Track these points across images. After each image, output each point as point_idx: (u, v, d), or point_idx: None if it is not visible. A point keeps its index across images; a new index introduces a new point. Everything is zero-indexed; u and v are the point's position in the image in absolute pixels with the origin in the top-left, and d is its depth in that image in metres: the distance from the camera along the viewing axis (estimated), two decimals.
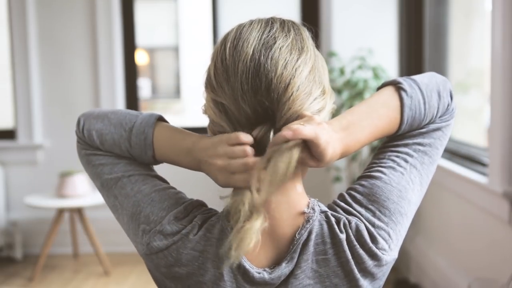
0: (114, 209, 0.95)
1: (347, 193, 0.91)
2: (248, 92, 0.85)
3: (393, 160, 0.91)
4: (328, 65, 3.48)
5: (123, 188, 0.93)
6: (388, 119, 0.90)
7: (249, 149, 0.83)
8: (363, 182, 0.90)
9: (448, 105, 0.95)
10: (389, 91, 0.92)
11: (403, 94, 0.91)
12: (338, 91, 3.40)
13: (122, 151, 0.94)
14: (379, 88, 0.95)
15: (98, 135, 0.95)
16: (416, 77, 0.95)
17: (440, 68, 3.33)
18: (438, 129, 0.94)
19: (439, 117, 0.95)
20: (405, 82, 0.92)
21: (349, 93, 3.36)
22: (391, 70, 3.61)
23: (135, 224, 0.91)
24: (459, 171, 2.69)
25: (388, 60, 3.61)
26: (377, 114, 0.89)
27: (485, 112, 2.99)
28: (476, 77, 3.27)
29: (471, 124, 3.27)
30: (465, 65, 3.39)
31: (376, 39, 3.61)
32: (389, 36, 3.64)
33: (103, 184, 0.95)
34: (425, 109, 0.92)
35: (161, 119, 0.97)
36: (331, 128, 0.85)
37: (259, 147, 0.85)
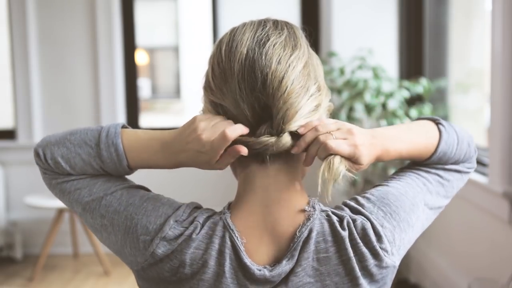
0: (103, 229, 0.92)
1: (361, 196, 0.93)
2: (246, 89, 0.86)
3: (412, 179, 0.96)
4: (328, 65, 3.50)
5: (110, 206, 0.91)
6: (425, 144, 0.97)
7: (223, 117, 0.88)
8: (379, 188, 0.94)
9: (472, 157, 1.04)
10: (429, 123, 1.00)
11: (442, 128, 0.99)
12: (338, 91, 3.40)
13: (95, 169, 0.92)
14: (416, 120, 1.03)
15: (65, 160, 0.92)
16: (450, 122, 1.03)
17: (440, 68, 3.33)
18: (458, 171, 1.02)
19: (463, 163, 1.02)
20: (443, 122, 1.00)
21: (349, 93, 3.36)
22: (391, 70, 3.61)
23: (132, 237, 0.89)
24: None
25: (388, 60, 3.61)
26: (416, 135, 0.96)
27: (485, 112, 2.99)
28: (476, 77, 3.27)
29: (471, 124, 3.27)
30: (465, 65, 3.39)
31: (376, 39, 3.61)
32: (389, 36, 3.64)
33: (85, 208, 0.92)
34: (456, 149, 0.99)
35: (124, 126, 0.94)
36: (369, 134, 0.89)
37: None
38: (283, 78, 0.85)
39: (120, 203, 0.90)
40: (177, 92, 10.83)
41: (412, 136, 0.95)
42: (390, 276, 0.90)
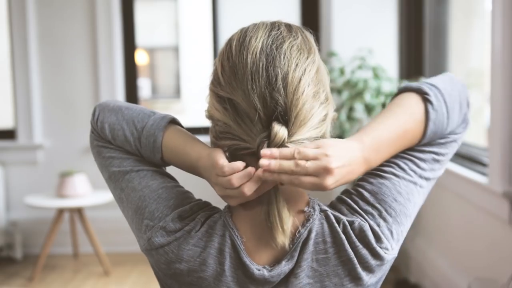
0: (120, 202, 0.97)
1: (353, 189, 0.91)
2: (258, 81, 0.84)
3: (405, 163, 0.92)
4: (328, 65, 3.50)
5: (131, 182, 0.94)
6: (412, 134, 0.90)
7: (235, 179, 0.84)
8: (372, 180, 0.90)
9: (465, 115, 0.97)
10: (415, 100, 0.91)
11: (430, 107, 0.90)
12: (338, 91, 3.40)
13: (132, 149, 0.96)
14: (401, 91, 0.94)
15: (111, 129, 0.98)
16: (440, 84, 0.94)
17: (440, 68, 3.33)
18: (454, 140, 0.96)
19: (457, 128, 0.96)
20: (431, 92, 0.91)
21: (349, 93, 3.36)
22: (391, 70, 3.61)
23: (138, 218, 0.92)
24: (459, 171, 2.69)
25: (388, 60, 3.61)
26: (403, 129, 0.89)
27: (485, 112, 2.99)
28: (476, 77, 3.27)
29: (471, 124, 3.27)
30: (465, 65, 3.39)
31: (376, 39, 3.61)
32: (389, 36, 3.64)
33: (111, 176, 0.97)
34: (447, 124, 0.93)
35: (173, 121, 0.98)
36: (358, 146, 0.85)
37: (274, 145, 0.83)
38: (300, 80, 0.85)
39: (140, 182, 0.94)
40: (177, 92, 10.83)
41: (399, 135, 0.89)
42: (390, 266, 0.91)
